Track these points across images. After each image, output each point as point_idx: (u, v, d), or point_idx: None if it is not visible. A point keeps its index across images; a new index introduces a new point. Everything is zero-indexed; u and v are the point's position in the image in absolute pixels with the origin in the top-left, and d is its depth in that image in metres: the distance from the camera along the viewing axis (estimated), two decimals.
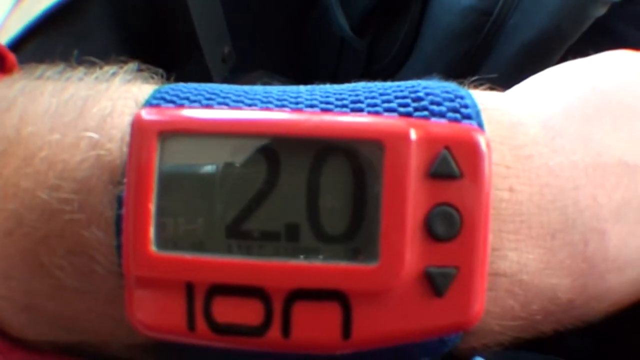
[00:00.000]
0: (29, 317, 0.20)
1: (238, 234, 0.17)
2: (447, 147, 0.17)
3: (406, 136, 0.17)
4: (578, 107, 0.20)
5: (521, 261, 0.19)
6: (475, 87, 0.20)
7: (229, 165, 0.17)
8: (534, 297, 0.19)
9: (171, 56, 0.42)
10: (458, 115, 0.18)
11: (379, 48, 0.46)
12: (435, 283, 0.17)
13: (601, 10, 0.34)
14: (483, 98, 0.20)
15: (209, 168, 0.17)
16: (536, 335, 0.20)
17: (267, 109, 0.19)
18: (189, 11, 0.40)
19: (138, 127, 0.17)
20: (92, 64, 0.21)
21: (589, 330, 0.21)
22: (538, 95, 0.21)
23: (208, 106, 0.19)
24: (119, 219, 0.18)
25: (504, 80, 0.22)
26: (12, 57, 0.22)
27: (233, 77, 0.47)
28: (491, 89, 0.21)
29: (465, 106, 0.19)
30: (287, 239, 0.17)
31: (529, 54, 0.35)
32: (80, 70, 0.21)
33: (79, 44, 0.32)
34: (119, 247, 0.18)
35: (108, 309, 0.19)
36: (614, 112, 0.21)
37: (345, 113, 0.18)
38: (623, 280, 0.20)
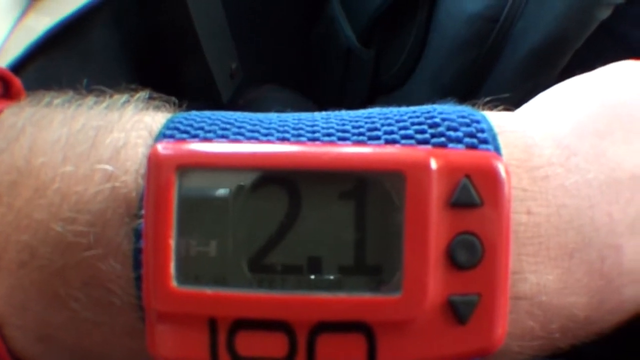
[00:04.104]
0: (45, 347, 0.20)
1: (260, 268, 0.17)
2: (467, 176, 0.17)
3: (427, 166, 0.17)
4: (589, 124, 0.20)
5: (540, 282, 0.19)
6: (490, 108, 0.20)
7: (249, 199, 0.17)
8: (553, 317, 0.19)
9: (177, 75, 0.41)
10: (475, 140, 0.18)
11: (385, 58, 0.46)
12: (458, 311, 0.17)
13: (606, 12, 0.33)
14: (498, 120, 0.20)
15: (228, 202, 0.17)
16: (553, 351, 0.21)
17: (284, 139, 0.19)
18: (195, 29, 0.40)
19: (155, 162, 0.17)
20: (102, 92, 0.21)
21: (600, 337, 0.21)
22: (550, 113, 0.21)
23: (224, 137, 0.19)
24: (136, 252, 0.18)
25: (512, 86, 0.22)
26: (18, 82, 0.22)
27: (240, 92, 0.46)
28: (506, 109, 0.21)
29: (482, 130, 0.19)
30: (310, 272, 0.17)
31: (536, 59, 0.35)
32: (90, 99, 0.21)
33: (83, 64, 0.32)
34: (137, 279, 0.18)
35: (125, 340, 0.19)
36: (624, 126, 0.21)
37: (363, 143, 0.18)
38: (637, 292, 0.20)
